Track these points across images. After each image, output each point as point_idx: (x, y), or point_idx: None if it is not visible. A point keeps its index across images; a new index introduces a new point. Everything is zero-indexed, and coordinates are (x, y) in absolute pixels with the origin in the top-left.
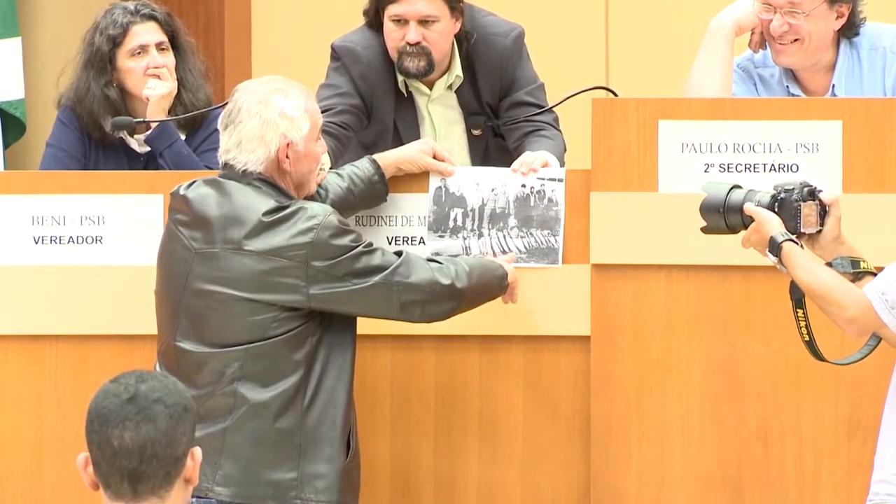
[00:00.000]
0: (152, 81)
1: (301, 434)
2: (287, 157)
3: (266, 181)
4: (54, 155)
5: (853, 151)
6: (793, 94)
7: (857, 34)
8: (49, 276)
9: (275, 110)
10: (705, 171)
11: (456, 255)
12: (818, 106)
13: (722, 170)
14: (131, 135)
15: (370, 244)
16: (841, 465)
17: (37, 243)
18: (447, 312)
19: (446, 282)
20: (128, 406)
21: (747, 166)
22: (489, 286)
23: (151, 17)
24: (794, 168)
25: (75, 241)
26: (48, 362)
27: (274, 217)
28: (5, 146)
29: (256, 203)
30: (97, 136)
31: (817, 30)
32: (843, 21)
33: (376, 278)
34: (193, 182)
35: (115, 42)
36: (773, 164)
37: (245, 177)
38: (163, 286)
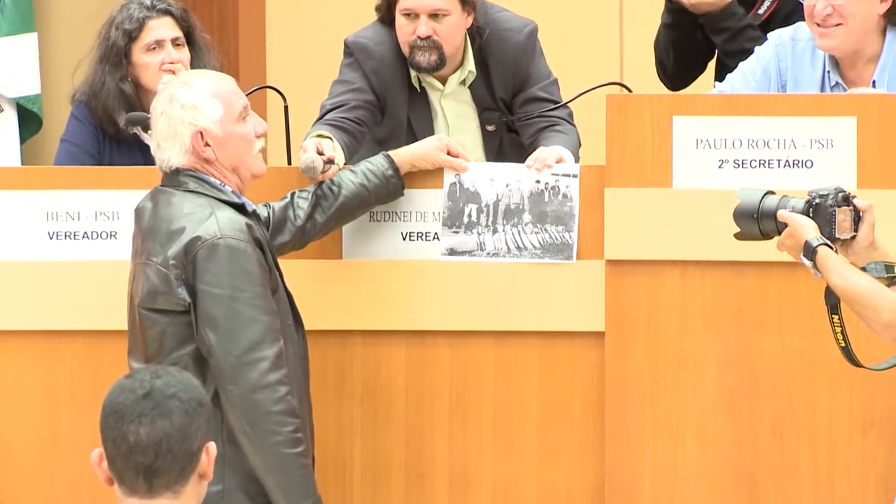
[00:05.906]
0: (167, 77)
1: (224, 445)
2: (207, 144)
3: (194, 175)
4: (68, 150)
5: (867, 147)
6: (831, 78)
7: None
8: (64, 272)
9: (177, 105)
10: (719, 166)
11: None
12: (832, 102)
13: (736, 165)
14: (145, 130)
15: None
16: (856, 460)
17: (51, 239)
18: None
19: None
20: (143, 402)
21: (762, 162)
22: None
23: (167, 13)
24: (809, 164)
25: (90, 236)
26: (63, 358)
27: (175, 227)
28: (22, 141)
29: (174, 214)
30: (111, 131)
31: (861, 11)
32: (887, 6)
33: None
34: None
35: (131, 37)
36: (787, 160)
37: (176, 176)
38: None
